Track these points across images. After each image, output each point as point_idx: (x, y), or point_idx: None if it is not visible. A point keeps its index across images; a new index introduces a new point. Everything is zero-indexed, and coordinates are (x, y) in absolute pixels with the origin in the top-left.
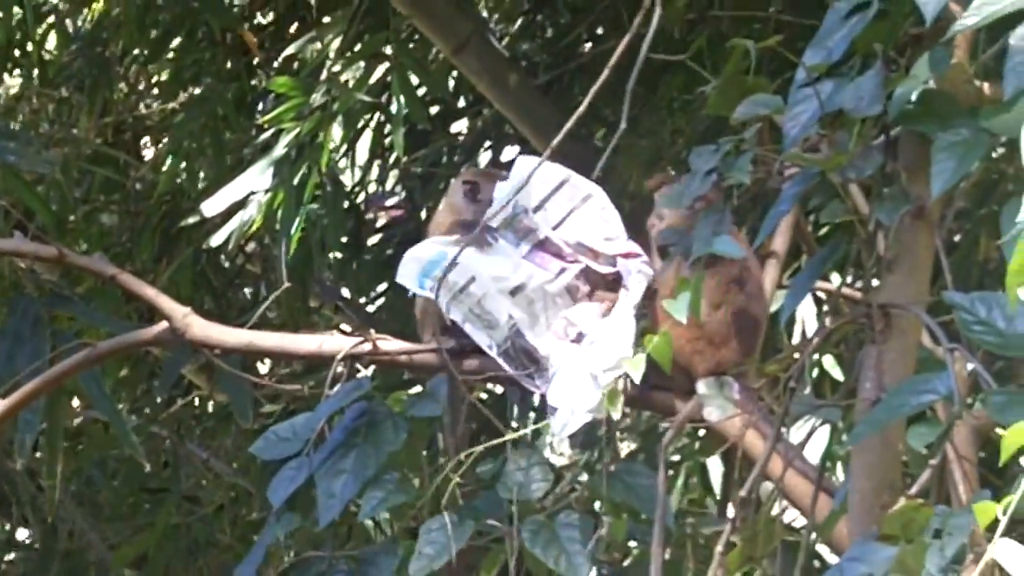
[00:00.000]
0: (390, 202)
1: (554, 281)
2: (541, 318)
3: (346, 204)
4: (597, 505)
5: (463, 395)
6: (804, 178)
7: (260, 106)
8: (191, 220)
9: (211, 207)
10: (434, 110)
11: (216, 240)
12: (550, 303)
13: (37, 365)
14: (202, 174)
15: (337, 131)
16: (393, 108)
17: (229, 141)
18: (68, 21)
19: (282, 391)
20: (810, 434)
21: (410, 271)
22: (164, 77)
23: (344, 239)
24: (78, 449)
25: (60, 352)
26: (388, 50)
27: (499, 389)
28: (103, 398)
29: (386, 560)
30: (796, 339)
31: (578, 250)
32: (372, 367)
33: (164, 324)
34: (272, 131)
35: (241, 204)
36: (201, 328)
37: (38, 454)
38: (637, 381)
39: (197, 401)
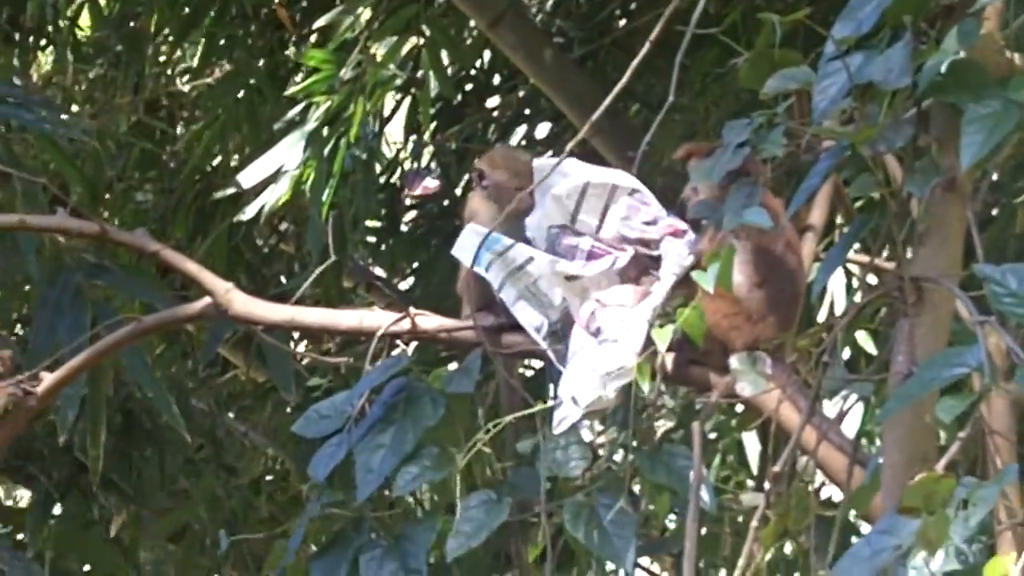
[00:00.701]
0: (427, 181)
1: (609, 270)
2: (585, 307)
3: (380, 181)
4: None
5: (509, 370)
6: (835, 151)
7: (293, 82)
8: (226, 192)
9: (246, 179)
10: (469, 86)
11: (248, 214)
12: (602, 289)
13: (80, 341)
14: (237, 151)
15: (368, 105)
16: (423, 84)
17: (264, 116)
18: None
19: (323, 363)
20: (845, 412)
21: (469, 243)
22: (196, 53)
23: (379, 217)
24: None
25: (104, 327)
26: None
27: (537, 365)
28: (145, 371)
29: (423, 536)
30: (824, 313)
31: (626, 243)
32: (412, 343)
33: (207, 300)
34: (303, 105)
35: (273, 178)
36: (243, 304)
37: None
38: (664, 352)
39: (235, 379)
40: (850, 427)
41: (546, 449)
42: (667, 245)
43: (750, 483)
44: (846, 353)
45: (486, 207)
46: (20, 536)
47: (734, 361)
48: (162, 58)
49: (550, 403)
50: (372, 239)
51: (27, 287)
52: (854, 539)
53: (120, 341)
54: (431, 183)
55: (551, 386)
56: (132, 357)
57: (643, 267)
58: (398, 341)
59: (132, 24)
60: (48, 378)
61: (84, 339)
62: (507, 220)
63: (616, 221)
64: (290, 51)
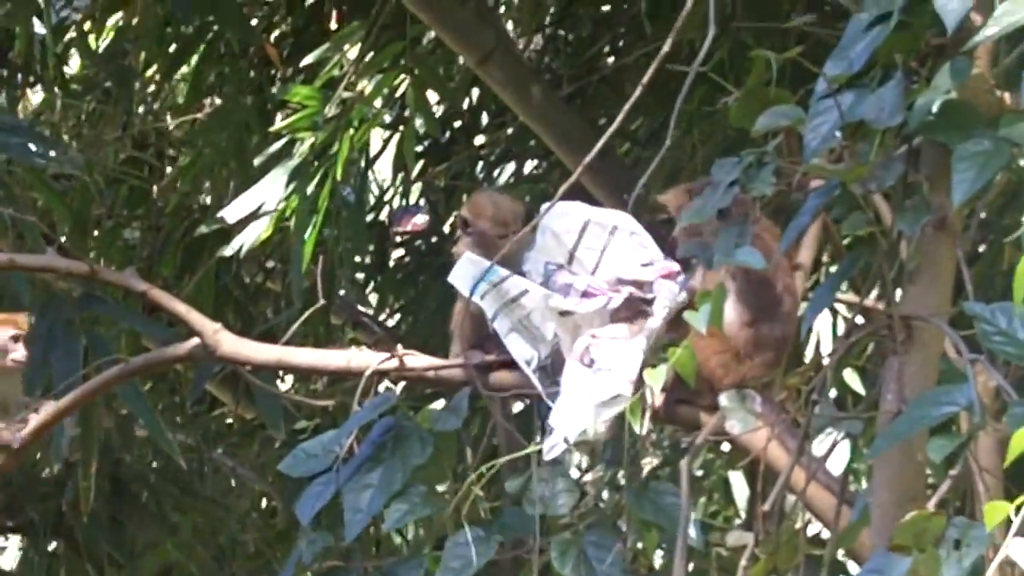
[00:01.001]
0: (417, 219)
1: (603, 310)
2: (580, 342)
3: (368, 219)
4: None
5: (504, 408)
6: (826, 190)
7: (279, 117)
8: (211, 228)
9: (230, 215)
10: (457, 123)
11: (230, 250)
12: (594, 328)
13: (72, 380)
14: (225, 187)
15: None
16: (409, 122)
17: (251, 152)
18: (91, 37)
19: (310, 404)
20: (832, 448)
21: (465, 272)
22: (184, 90)
23: (367, 254)
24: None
25: (93, 368)
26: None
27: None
28: (140, 402)
29: (411, 572)
30: (810, 352)
31: (621, 284)
32: (400, 383)
33: (195, 340)
34: (286, 140)
35: (255, 214)
36: (231, 344)
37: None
38: (658, 392)
39: (222, 416)
40: (836, 464)
41: (535, 487)
42: (660, 285)
43: (737, 521)
44: (833, 391)
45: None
46: None
47: (723, 399)
48: (150, 95)
49: (541, 443)
50: (360, 276)
51: None
52: None
53: (107, 382)
54: (419, 220)
55: (539, 421)
56: (128, 389)
57: (636, 309)
58: (386, 380)
59: (121, 62)
60: (33, 420)
61: (77, 378)
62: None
63: (613, 261)
64: (277, 87)
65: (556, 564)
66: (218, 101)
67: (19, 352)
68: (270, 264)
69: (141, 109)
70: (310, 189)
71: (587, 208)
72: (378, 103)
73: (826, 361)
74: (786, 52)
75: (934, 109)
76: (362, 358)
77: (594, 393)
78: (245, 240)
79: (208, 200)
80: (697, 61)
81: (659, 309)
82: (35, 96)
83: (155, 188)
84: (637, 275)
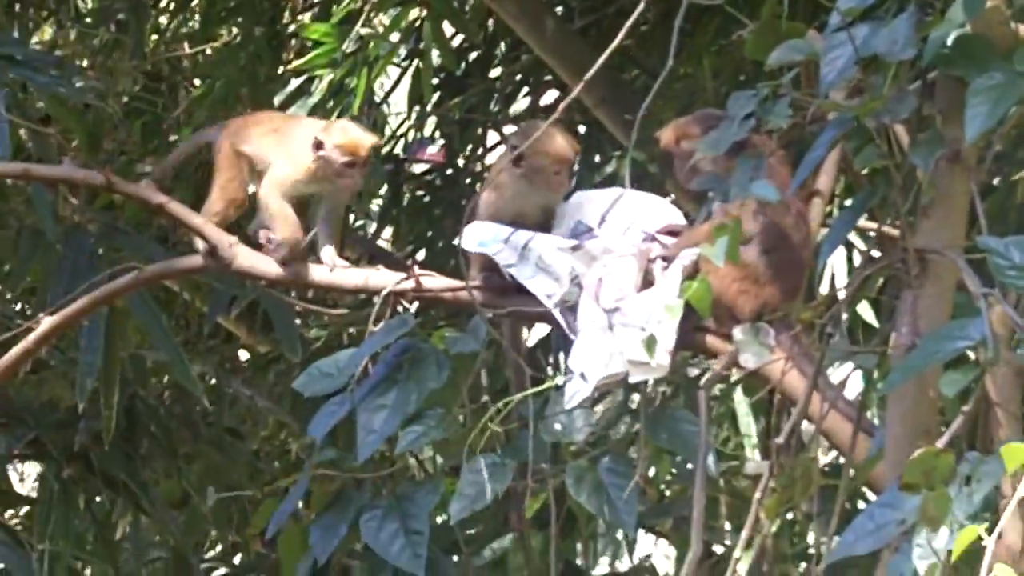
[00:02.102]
0: (431, 149)
1: (620, 240)
2: (593, 272)
3: (384, 152)
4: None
5: (515, 334)
6: (840, 123)
7: (289, 49)
8: None
9: None
10: (473, 55)
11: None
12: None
13: (80, 290)
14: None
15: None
16: (425, 55)
17: (264, 85)
18: None
19: (320, 314)
20: (844, 381)
21: (474, 236)
22: (202, 24)
23: (383, 188)
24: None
25: (106, 275)
26: None
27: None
28: (158, 328)
29: (426, 498)
30: (825, 286)
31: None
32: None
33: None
34: (304, 78)
35: None
36: (247, 258)
37: None
38: (674, 331)
39: (237, 348)
40: (850, 397)
41: (550, 414)
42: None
43: (747, 452)
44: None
45: (514, 186)
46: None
47: (737, 333)
48: (165, 26)
49: (557, 376)
50: (375, 207)
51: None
52: (860, 505)
53: (120, 289)
54: (434, 151)
55: (558, 353)
56: (144, 313)
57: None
58: (402, 303)
59: None
60: (45, 322)
61: (82, 288)
62: (538, 205)
63: (642, 222)
64: (288, 20)
65: (571, 491)
66: (230, 36)
67: None
68: None
69: (156, 39)
70: None
71: (626, 191)
72: (394, 37)
73: (841, 295)
74: None
75: (948, 42)
76: (379, 277)
77: (625, 348)
78: None
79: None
80: None
81: (674, 267)
82: (49, 30)
83: (168, 120)
84: (667, 223)
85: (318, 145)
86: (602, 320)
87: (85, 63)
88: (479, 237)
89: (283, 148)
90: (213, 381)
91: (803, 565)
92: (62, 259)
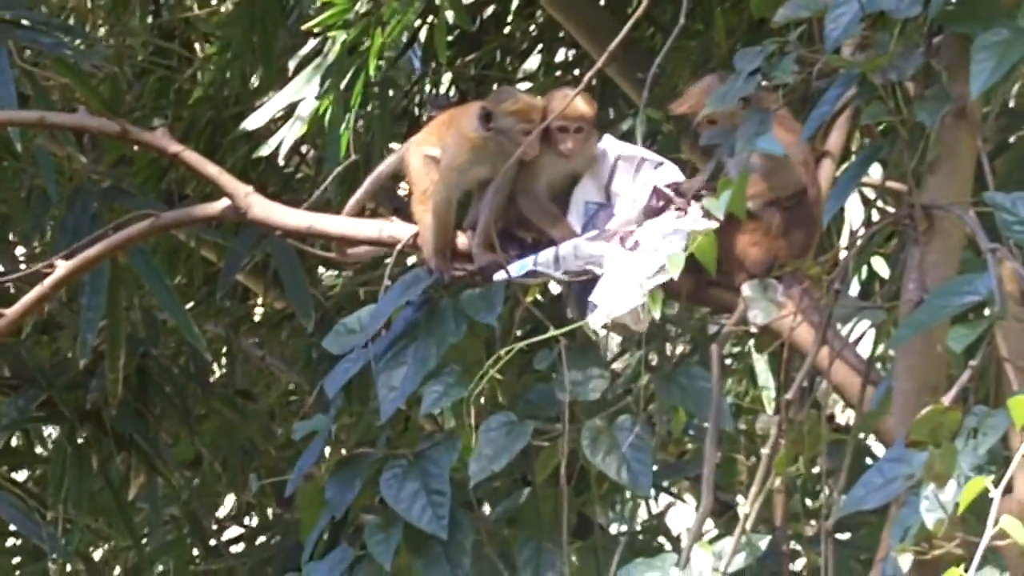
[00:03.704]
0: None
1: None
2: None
3: (401, 108)
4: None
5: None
6: (846, 79)
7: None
8: (237, 133)
9: (254, 122)
10: (489, 9)
11: (265, 150)
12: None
13: (94, 236)
14: (249, 79)
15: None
16: (439, 12)
17: (275, 45)
18: None
19: (338, 264)
20: (859, 338)
21: (503, 276)
22: None
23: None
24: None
25: (120, 222)
26: None
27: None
28: (160, 285)
29: (445, 456)
30: (844, 240)
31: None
32: None
33: (226, 201)
34: (319, 39)
35: (289, 114)
36: (262, 208)
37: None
38: (675, 278)
39: (251, 306)
40: (863, 353)
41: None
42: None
43: (769, 409)
44: (862, 276)
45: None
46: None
47: (746, 289)
48: None
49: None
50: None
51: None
52: (868, 460)
53: (136, 235)
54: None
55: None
56: (146, 271)
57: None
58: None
59: None
60: (61, 266)
61: (97, 234)
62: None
63: (641, 190)
64: None
65: (586, 451)
66: None
67: None
68: (304, 148)
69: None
70: (342, 86)
71: (616, 143)
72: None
73: (848, 250)
74: None
75: None
76: (394, 229)
77: (640, 270)
78: (284, 139)
79: (233, 91)
80: None
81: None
82: None
83: (181, 78)
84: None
85: (487, 117)
86: (625, 258)
87: (95, 24)
88: (503, 276)
89: (452, 131)
90: (225, 345)
91: (814, 523)
92: (64, 218)
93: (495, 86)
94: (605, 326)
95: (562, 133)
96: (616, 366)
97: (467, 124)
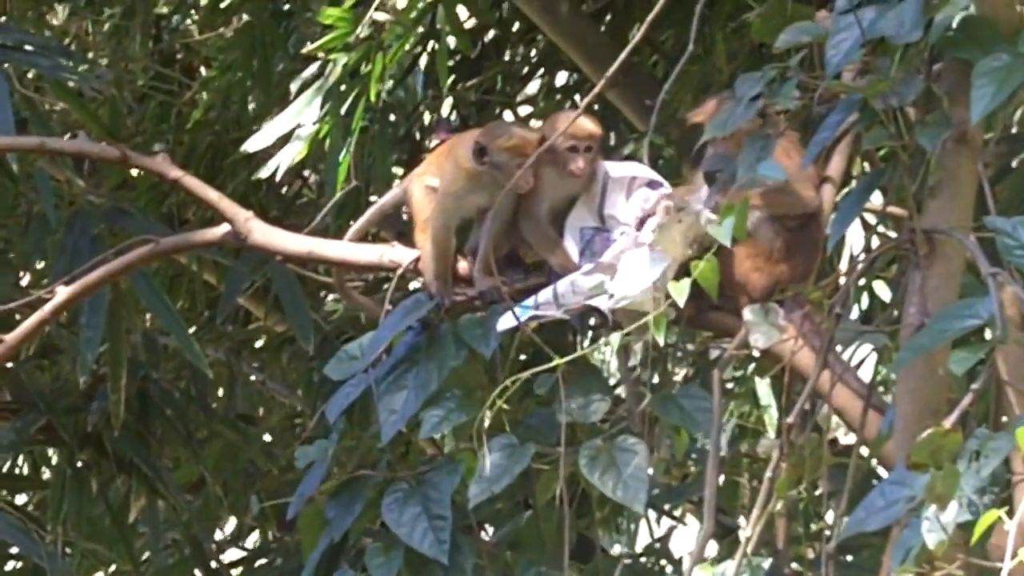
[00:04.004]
0: (448, 130)
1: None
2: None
3: (400, 133)
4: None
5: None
6: (847, 105)
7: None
8: (241, 151)
9: (255, 144)
10: (489, 35)
11: (265, 172)
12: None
13: (94, 262)
14: (248, 103)
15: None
16: (440, 37)
17: (274, 68)
18: None
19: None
20: (861, 362)
21: (508, 323)
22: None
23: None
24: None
25: (121, 248)
26: None
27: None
28: (162, 305)
29: (447, 479)
30: (845, 265)
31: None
32: None
33: (226, 226)
34: (320, 63)
35: (289, 137)
36: (263, 233)
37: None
38: (681, 305)
39: (252, 330)
40: (865, 377)
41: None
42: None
43: (772, 432)
44: (864, 302)
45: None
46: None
47: (747, 313)
48: (174, 8)
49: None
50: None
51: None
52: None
53: (137, 261)
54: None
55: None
56: (147, 291)
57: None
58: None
59: None
60: (61, 291)
61: (97, 260)
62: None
63: (635, 209)
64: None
65: (584, 470)
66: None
67: None
68: (306, 173)
69: (171, 20)
70: (343, 110)
71: (606, 164)
72: (409, 23)
73: (849, 275)
74: None
75: (954, 24)
76: (395, 254)
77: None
78: (281, 161)
79: (233, 115)
80: None
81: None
82: (61, 12)
83: (182, 103)
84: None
85: (480, 151)
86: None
87: (96, 50)
88: (511, 319)
89: (450, 160)
90: (227, 370)
91: (816, 545)
92: (63, 240)
93: (496, 111)
94: (616, 324)
95: (572, 153)
96: (619, 391)
97: (463, 154)
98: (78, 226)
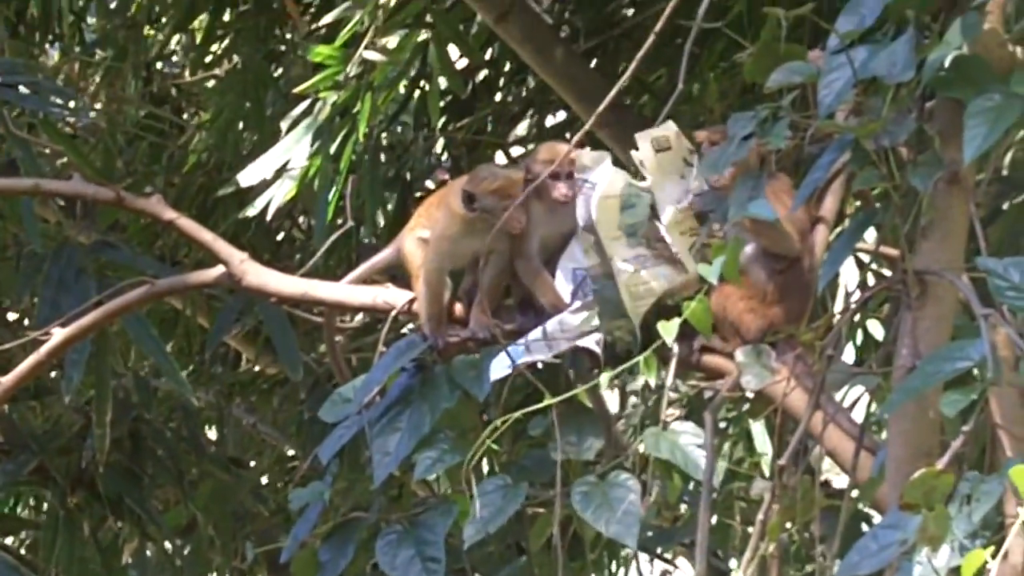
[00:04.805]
0: (439, 172)
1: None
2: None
3: (392, 172)
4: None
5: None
6: (839, 145)
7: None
8: (228, 190)
9: (247, 178)
10: (480, 75)
11: (253, 211)
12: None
13: (87, 305)
14: (241, 144)
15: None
16: (432, 78)
17: (271, 111)
18: None
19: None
20: (854, 403)
21: (502, 367)
22: (202, 46)
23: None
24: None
25: (116, 289)
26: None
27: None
28: (149, 338)
29: (440, 521)
30: (839, 305)
31: None
32: None
33: (221, 268)
34: (309, 101)
35: (279, 174)
36: (257, 275)
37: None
38: (671, 343)
39: (243, 372)
40: (859, 418)
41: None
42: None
43: (766, 473)
44: (858, 340)
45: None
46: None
47: (739, 355)
48: (165, 49)
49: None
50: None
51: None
52: (864, 527)
53: (131, 303)
54: (442, 173)
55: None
56: (134, 325)
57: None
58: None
59: (129, 14)
60: (58, 333)
61: (92, 302)
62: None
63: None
64: (293, 43)
65: (577, 507)
66: (235, 58)
67: None
68: (294, 213)
69: (159, 65)
70: (332, 148)
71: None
72: (399, 65)
73: (838, 318)
74: (799, 8)
75: (946, 64)
76: (389, 296)
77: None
78: (272, 198)
79: (225, 156)
80: (700, 13)
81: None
82: (54, 54)
83: (175, 144)
84: None
85: (469, 198)
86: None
87: (89, 92)
88: (504, 365)
89: (442, 208)
90: (217, 412)
91: None
92: (49, 271)
93: (489, 151)
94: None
95: (554, 180)
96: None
97: (454, 202)
98: (64, 257)
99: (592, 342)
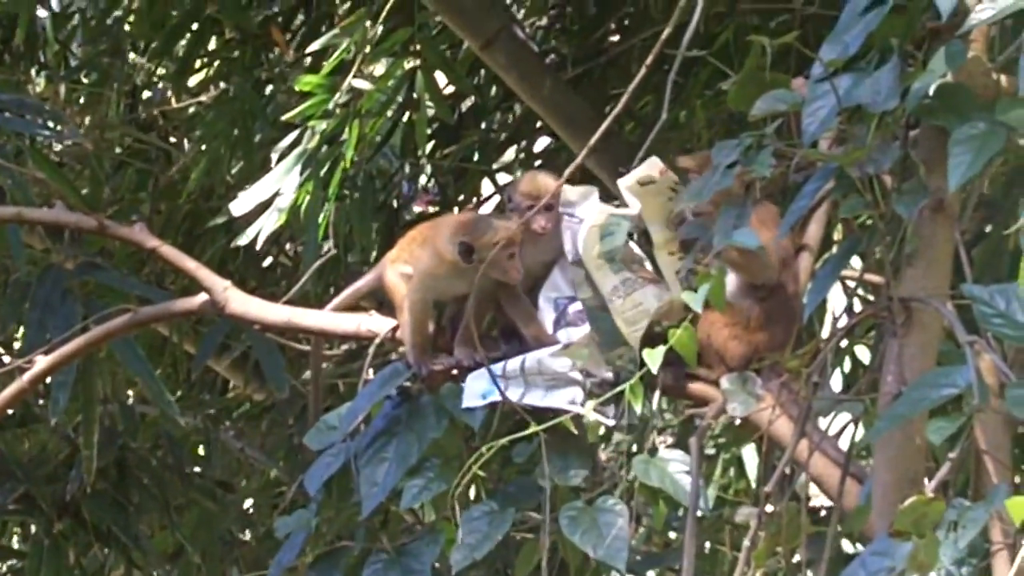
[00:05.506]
0: (426, 199)
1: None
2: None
3: (379, 200)
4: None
5: None
6: (824, 173)
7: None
8: (218, 220)
9: (239, 207)
10: (467, 102)
11: (244, 240)
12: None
13: (72, 331)
14: (230, 172)
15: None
16: (419, 105)
17: (259, 139)
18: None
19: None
20: (841, 430)
21: (475, 394)
22: (183, 72)
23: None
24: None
25: (100, 316)
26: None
27: None
28: (137, 360)
29: (428, 549)
30: (827, 328)
31: None
32: None
33: (204, 296)
34: (299, 130)
35: (268, 203)
36: (240, 302)
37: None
38: (656, 371)
39: (231, 398)
40: (844, 445)
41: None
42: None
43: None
44: (846, 366)
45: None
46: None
47: (724, 382)
48: (149, 75)
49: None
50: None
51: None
52: (847, 548)
53: (115, 330)
54: (430, 199)
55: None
56: (121, 346)
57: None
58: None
59: (113, 41)
60: (41, 361)
61: (76, 329)
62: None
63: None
64: (273, 72)
65: (565, 531)
66: (222, 85)
67: None
68: (281, 241)
69: (145, 91)
70: (321, 174)
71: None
72: (386, 93)
73: (826, 344)
74: (784, 37)
75: (930, 92)
76: (373, 323)
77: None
78: (263, 227)
79: (212, 184)
80: (684, 43)
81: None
82: (39, 80)
83: (160, 171)
84: None
85: (468, 251)
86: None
87: (74, 118)
88: (478, 392)
89: (428, 249)
90: (204, 437)
91: None
92: (34, 293)
93: (478, 179)
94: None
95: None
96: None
97: (444, 247)
98: (50, 280)
99: (565, 400)
